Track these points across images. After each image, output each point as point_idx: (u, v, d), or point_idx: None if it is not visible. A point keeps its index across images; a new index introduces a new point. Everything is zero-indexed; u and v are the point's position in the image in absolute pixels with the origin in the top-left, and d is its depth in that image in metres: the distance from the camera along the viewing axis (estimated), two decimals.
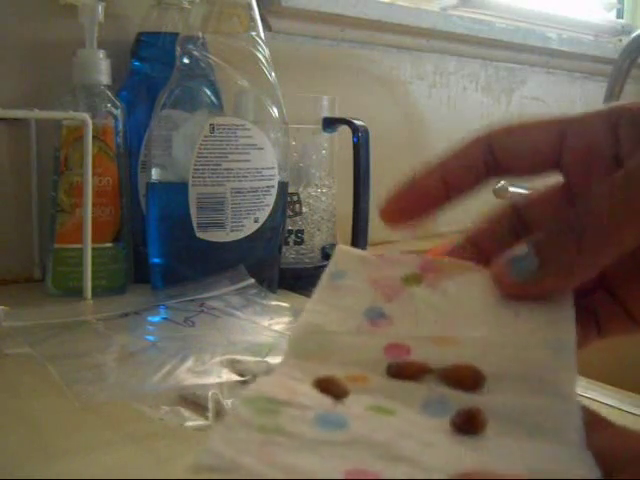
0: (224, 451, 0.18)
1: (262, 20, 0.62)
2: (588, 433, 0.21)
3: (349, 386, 0.23)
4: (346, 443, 0.20)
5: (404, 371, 0.23)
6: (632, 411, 0.41)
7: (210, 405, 0.36)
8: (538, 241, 0.23)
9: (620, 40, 1.31)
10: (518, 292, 0.23)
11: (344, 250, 0.28)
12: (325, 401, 0.22)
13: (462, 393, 0.22)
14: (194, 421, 0.36)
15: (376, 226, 0.81)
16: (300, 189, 0.71)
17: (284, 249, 0.68)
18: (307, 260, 0.71)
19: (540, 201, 0.27)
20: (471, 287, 0.25)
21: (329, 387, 0.22)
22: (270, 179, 0.61)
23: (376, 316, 0.25)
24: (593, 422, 0.22)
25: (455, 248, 0.27)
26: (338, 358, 0.24)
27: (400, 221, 0.27)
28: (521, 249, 0.23)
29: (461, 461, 0.19)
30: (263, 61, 0.60)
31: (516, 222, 0.28)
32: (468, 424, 0.21)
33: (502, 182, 0.97)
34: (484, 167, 0.26)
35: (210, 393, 0.37)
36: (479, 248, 0.27)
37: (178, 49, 0.60)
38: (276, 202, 0.62)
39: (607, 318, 0.28)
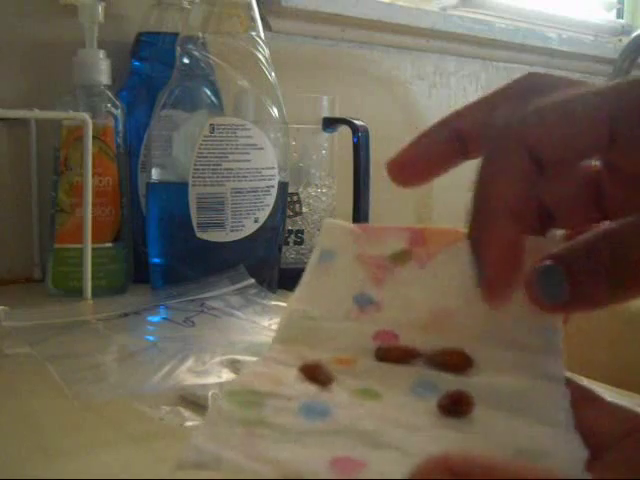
0: (207, 447, 0.18)
1: (262, 20, 0.62)
2: (577, 410, 0.21)
3: (336, 369, 0.22)
4: (330, 432, 0.19)
5: (392, 354, 0.23)
6: None
7: (210, 405, 0.36)
8: (570, 270, 0.22)
9: (620, 40, 1.30)
10: (547, 310, 0.23)
11: (332, 225, 0.27)
12: (309, 389, 0.22)
13: (450, 375, 0.22)
14: (194, 421, 0.35)
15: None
16: (300, 189, 0.71)
17: (284, 249, 0.68)
18: (307, 260, 0.71)
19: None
20: (460, 263, 0.25)
21: (315, 374, 0.22)
22: (270, 179, 0.61)
23: (365, 302, 0.25)
24: (582, 398, 0.22)
25: None
26: (326, 344, 0.24)
27: (408, 179, 0.25)
28: (552, 269, 0.22)
29: (448, 445, 0.19)
30: (263, 61, 0.60)
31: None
32: (455, 406, 0.21)
33: None
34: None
35: (210, 393, 0.37)
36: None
37: (178, 49, 0.60)
38: (276, 202, 0.62)
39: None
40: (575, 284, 0.22)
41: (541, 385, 0.22)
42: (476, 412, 0.21)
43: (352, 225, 0.27)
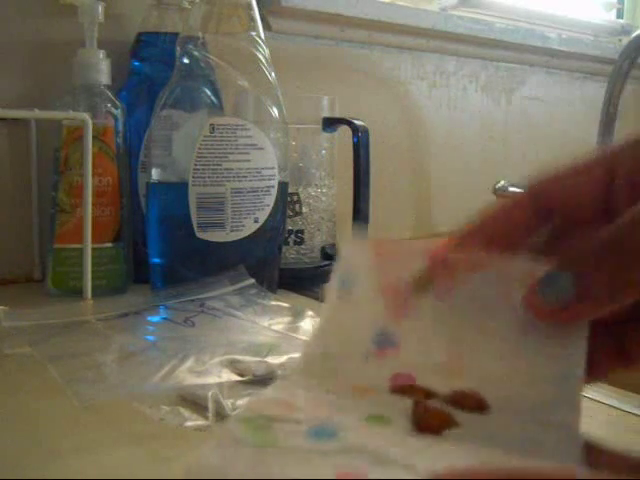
0: (215, 462, 0.19)
1: (262, 20, 0.62)
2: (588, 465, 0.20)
3: (352, 395, 0.23)
4: (336, 451, 0.20)
5: (407, 392, 0.23)
6: (632, 411, 0.41)
7: (210, 405, 0.36)
8: (576, 259, 0.22)
9: (620, 40, 1.31)
10: (549, 319, 0.22)
11: (352, 245, 0.27)
12: (320, 415, 0.22)
13: (464, 413, 0.22)
14: (194, 421, 0.36)
15: (376, 226, 0.81)
16: (300, 189, 0.71)
17: (284, 249, 0.68)
18: (307, 260, 0.71)
19: (565, 188, 0.25)
20: (482, 295, 0.24)
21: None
22: (270, 179, 0.61)
23: (385, 342, 0.25)
24: (593, 455, 0.21)
25: (463, 238, 0.26)
26: (343, 383, 0.24)
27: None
28: (553, 273, 0.22)
29: (451, 459, 0.19)
30: (263, 61, 0.60)
31: (532, 214, 0.26)
32: (429, 422, 0.21)
33: (502, 182, 0.97)
34: (535, 220, 0.25)
35: (210, 393, 0.37)
36: (488, 238, 0.25)
37: (178, 49, 0.60)
38: (276, 202, 0.62)
39: (636, 349, 0.26)
40: (582, 274, 0.22)
41: (554, 435, 0.21)
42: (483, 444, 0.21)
43: (372, 245, 0.26)
